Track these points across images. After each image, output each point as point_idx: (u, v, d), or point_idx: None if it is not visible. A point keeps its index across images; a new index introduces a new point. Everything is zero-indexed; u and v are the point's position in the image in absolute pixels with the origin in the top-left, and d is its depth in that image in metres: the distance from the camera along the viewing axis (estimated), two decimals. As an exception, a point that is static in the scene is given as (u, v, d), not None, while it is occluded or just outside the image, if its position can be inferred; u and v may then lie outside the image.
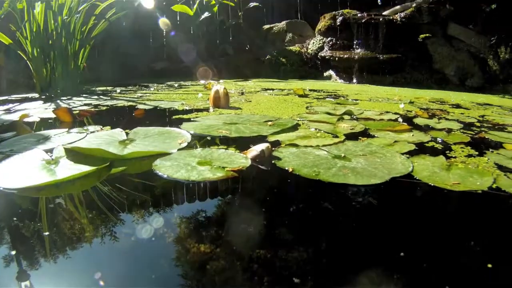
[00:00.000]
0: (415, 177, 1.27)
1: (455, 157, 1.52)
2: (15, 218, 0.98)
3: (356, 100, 3.35)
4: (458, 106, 3.26)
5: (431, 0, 5.61)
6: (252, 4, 6.22)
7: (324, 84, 5.05)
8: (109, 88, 4.47)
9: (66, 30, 4.10)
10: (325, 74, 5.69)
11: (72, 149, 1.41)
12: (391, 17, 5.50)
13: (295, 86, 3.57)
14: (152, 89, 4.25)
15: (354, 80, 5.24)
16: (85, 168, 1.24)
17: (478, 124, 2.35)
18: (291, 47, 6.08)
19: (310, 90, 4.03)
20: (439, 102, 3.43)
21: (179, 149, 1.52)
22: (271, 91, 3.87)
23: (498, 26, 5.19)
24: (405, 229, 0.95)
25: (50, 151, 1.49)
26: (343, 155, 1.46)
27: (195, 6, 5.86)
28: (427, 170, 1.33)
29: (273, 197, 1.13)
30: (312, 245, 0.82)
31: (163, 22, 5.39)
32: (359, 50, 5.43)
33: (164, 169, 1.28)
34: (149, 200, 1.12)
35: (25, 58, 3.98)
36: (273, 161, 1.37)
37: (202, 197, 1.13)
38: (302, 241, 0.85)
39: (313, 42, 5.95)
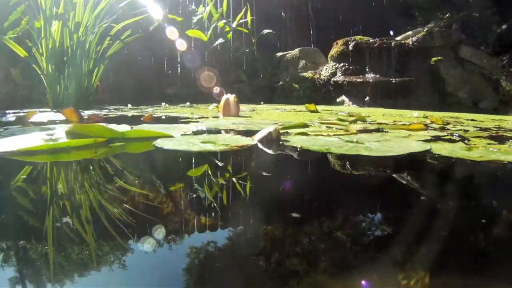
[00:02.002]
0: (434, 153, 1.18)
1: (475, 144, 1.43)
2: None
3: (369, 115, 3.28)
4: (472, 120, 3.17)
5: (442, 23, 5.62)
6: (265, 31, 6.29)
7: (337, 107, 5.00)
8: (121, 106, 4.49)
9: (81, 48, 4.17)
10: (338, 99, 5.65)
11: (73, 130, 1.35)
12: (403, 41, 5.50)
13: (307, 104, 3.52)
14: (163, 104, 4.28)
15: (367, 104, 5.18)
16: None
17: (495, 129, 2.26)
18: (304, 74, 6.09)
19: (323, 110, 3.99)
20: (453, 118, 3.35)
21: (182, 135, 1.46)
22: (283, 110, 3.84)
23: (510, 46, 5.15)
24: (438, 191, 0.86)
25: (51, 135, 1.44)
26: (355, 140, 1.38)
27: (209, 32, 5.96)
28: (447, 150, 1.24)
29: (280, 165, 1.05)
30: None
31: (170, 31, 5.45)
32: (371, 75, 5.40)
33: (164, 145, 1.22)
34: (146, 165, 1.05)
35: (40, 73, 4.03)
36: (281, 142, 1.29)
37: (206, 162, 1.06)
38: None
39: (326, 68, 5.96)
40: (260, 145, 1.25)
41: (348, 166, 1.04)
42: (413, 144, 1.32)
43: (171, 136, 1.37)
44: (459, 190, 0.86)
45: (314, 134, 1.52)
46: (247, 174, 0.92)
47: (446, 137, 1.64)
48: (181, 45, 5.76)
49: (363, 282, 0.43)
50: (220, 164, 1.02)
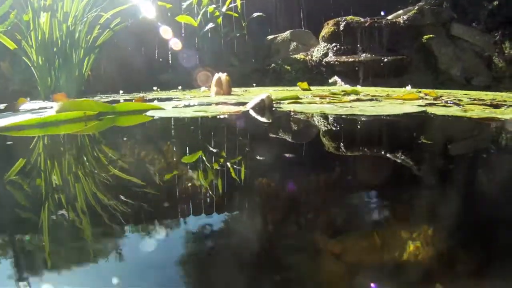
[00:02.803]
0: (430, 113, 1.17)
1: (470, 108, 1.42)
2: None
3: (362, 91, 3.27)
4: (466, 94, 3.17)
5: (432, 2, 5.59)
6: (255, 14, 6.23)
7: (330, 87, 4.98)
8: (113, 94, 4.46)
9: (71, 39, 4.12)
10: (331, 80, 5.63)
11: (63, 107, 1.33)
12: (394, 20, 5.46)
13: (300, 83, 3.50)
14: (155, 89, 4.29)
15: (360, 84, 5.17)
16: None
17: (489, 100, 2.26)
18: (295, 56, 6.05)
19: (315, 89, 3.98)
20: (446, 93, 3.35)
21: (174, 107, 1.44)
22: (276, 90, 3.83)
23: (502, 22, 5.13)
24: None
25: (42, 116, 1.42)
26: (350, 105, 1.37)
27: (199, 17, 5.88)
28: (442, 111, 1.24)
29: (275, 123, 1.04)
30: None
31: (164, 30, 5.39)
32: (363, 54, 5.37)
33: (156, 114, 1.20)
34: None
35: (30, 65, 3.98)
36: (273, 109, 1.28)
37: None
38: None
39: (318, 49, 5.92)
40: (252, 112, 1.24)
41: (343, 121, 1.03)
42: (407, 108, 1.32)
43: (163, 109, 1.35)
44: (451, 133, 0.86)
45: (307, 102, 1.51)
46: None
47: (440, 104, 1.64)
48: (175, 44, 5.70)
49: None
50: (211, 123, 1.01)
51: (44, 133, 1.06)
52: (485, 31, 5.48)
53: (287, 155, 0.68)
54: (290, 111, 1.14)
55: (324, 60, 5.68)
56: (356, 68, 5.22)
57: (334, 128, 0.86)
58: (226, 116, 1.08)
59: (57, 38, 4.11)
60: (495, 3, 5.54)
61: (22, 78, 5.02)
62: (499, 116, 1.11)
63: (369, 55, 5.30)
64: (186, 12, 5.90)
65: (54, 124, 1.10)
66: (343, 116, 1.03)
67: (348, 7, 7.54)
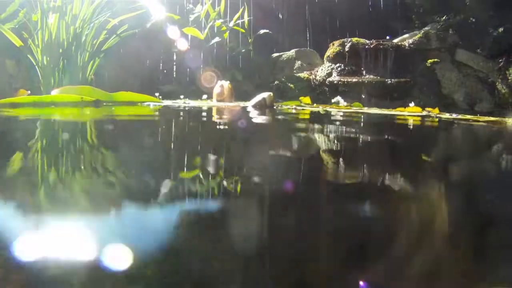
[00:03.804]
0: (434, 115, 1.16)
1: (474, 118, 1.41)
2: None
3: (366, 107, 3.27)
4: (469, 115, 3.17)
5: (438, 26, 5.65)
6: (262, 31, 6.28)
7: (332, 106, 4.99)
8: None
9: (77, 41, 4.15)
10: (333, 100, 5.62)
11: (62, 90, 1.31)
12: (399, 43, 5.51)
13: (302, 97, 3.49)
14: (157, 95, 4.28)
15: (363, 104, 5.17)
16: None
17: (493, 119, 2.25)
18: (299, 74, 6.07)
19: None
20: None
21: (173, 102, 1.42)
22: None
23: (506, 49, 5.17)
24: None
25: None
26: (352, 110, 1.34)
27: (205, 31, 5.92)
28: (445, 117, 1.22)
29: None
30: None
31: (171, 30, 5.42)
32: (367, 75, 5.39)
33: (154, 105, 1.18)
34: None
35: (35, 64, 4.00)
36: (274, 107, 1.26)
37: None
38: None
39: (322, 69, 5.94)
40: (251, 109, 1.21)
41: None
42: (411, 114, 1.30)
43: (160, 102, 1.33)
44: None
45: (309, 107, 1.49)
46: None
47: (444, 116, 1.62)
48: (182, 44, 5.73)
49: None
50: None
51: (40, 113, 1.04)
52: (489, 57, 5.53)
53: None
54: (291, 108, 1.12)
55: (327, 79, 5.70)
56: (360, 89, 5.23)
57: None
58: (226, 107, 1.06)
59: (64, 40, 4.15)
60: (500, 29, 5.58)
61: (26, 77, 5.03)
62: (505, 121, 1.09)
63: (373, 77, 5.32)
64: (193, 25, 5.95)
65: (50, 105, 1.08)
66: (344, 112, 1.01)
67: (354, 29, 7.61)
